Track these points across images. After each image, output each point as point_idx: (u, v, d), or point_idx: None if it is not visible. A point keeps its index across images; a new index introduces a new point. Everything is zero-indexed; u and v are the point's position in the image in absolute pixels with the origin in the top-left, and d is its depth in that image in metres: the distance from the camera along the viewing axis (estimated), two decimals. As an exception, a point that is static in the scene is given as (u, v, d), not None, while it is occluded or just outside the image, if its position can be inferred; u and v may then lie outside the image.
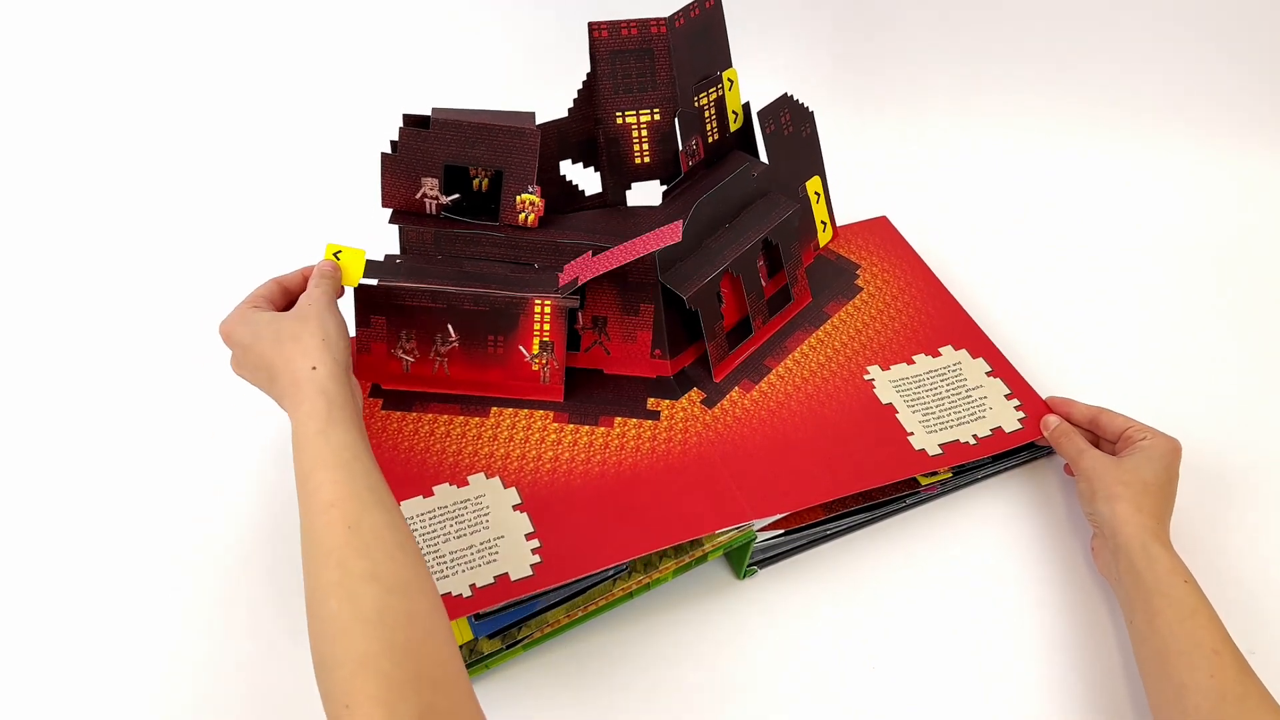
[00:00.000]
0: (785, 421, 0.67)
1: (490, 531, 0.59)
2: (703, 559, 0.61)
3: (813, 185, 0.78)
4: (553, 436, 0.64)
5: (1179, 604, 0.55)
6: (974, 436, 0.67)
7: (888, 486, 0.65)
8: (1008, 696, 0.58)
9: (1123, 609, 0.59)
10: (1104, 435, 0.67)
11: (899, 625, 0.61)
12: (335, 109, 1.00)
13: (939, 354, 0.73)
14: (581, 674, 0.58)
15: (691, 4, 0.69)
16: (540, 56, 0.97)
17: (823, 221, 0.79)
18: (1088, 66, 0.97)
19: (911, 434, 0.67)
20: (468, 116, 0.65)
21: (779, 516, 0.62)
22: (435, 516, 0.59)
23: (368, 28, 1.03)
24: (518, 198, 0.66)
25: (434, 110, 0.65)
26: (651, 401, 0.67)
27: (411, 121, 0.65)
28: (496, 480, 0.62)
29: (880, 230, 0.83)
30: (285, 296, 0.61)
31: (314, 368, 0.52)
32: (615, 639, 0.60)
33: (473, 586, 0.56)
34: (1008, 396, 0.70)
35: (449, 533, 0.58)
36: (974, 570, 0.64)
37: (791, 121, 0.76)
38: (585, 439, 0.64)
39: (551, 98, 0.72)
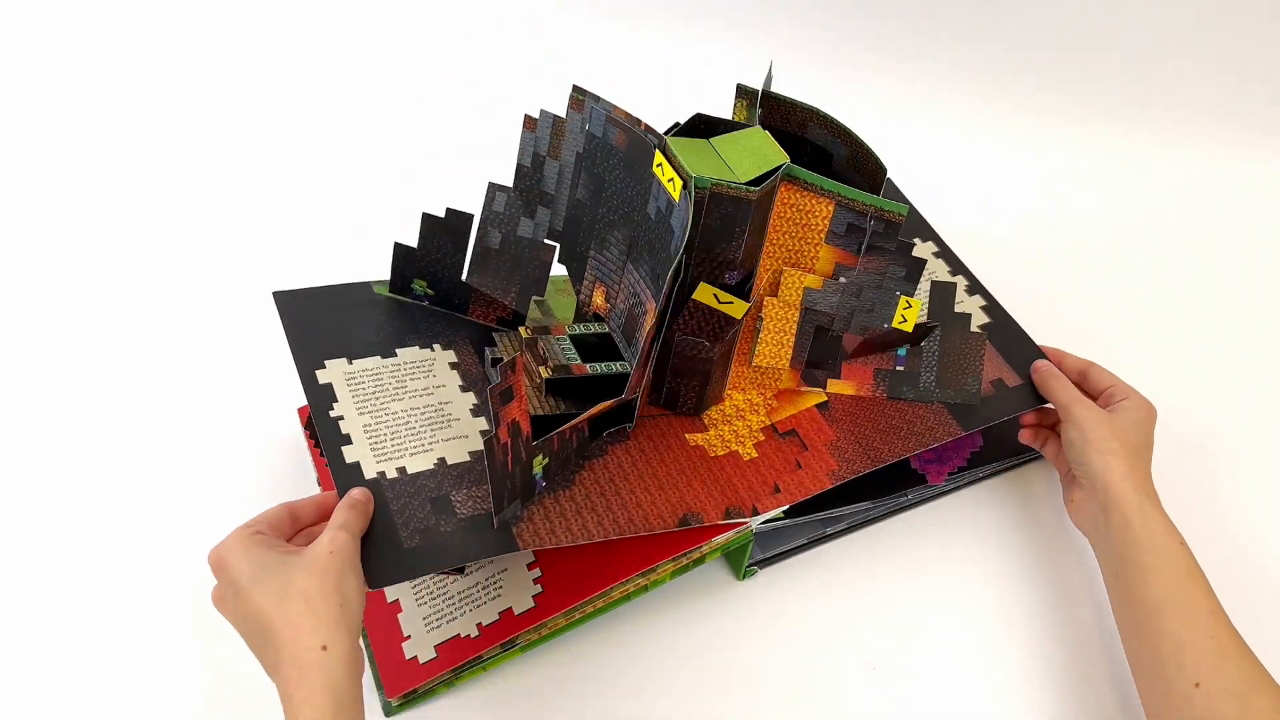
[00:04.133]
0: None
1: (495, 565, 0.61)
2: (701, 560, 0.62)
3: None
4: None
5: (1176, 564, 0.55)
6: None
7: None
8: (1008, 697, 0.60)
9: (1104, 565, 0.60)
10: (1087, 389, 0.66)
11: (899, 625, 0.63)
12: (339, 107, 0.99)
13: None
14: (582, 675, 0.61)
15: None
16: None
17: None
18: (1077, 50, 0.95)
19: None
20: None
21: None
22: (447, 560, 0.62)
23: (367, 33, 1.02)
24: None
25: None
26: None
27: None
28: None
29: None
30: (294, 528, 0.54)
31: (324, 647, 0.46)
32: (615, 639, 0.62)
33: (479, 625, 0.59)
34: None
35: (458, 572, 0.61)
36: (974, 570, 0.65)
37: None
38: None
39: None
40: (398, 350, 0.65)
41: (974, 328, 0.69)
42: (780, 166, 0.59)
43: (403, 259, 0.66)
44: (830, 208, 0.61)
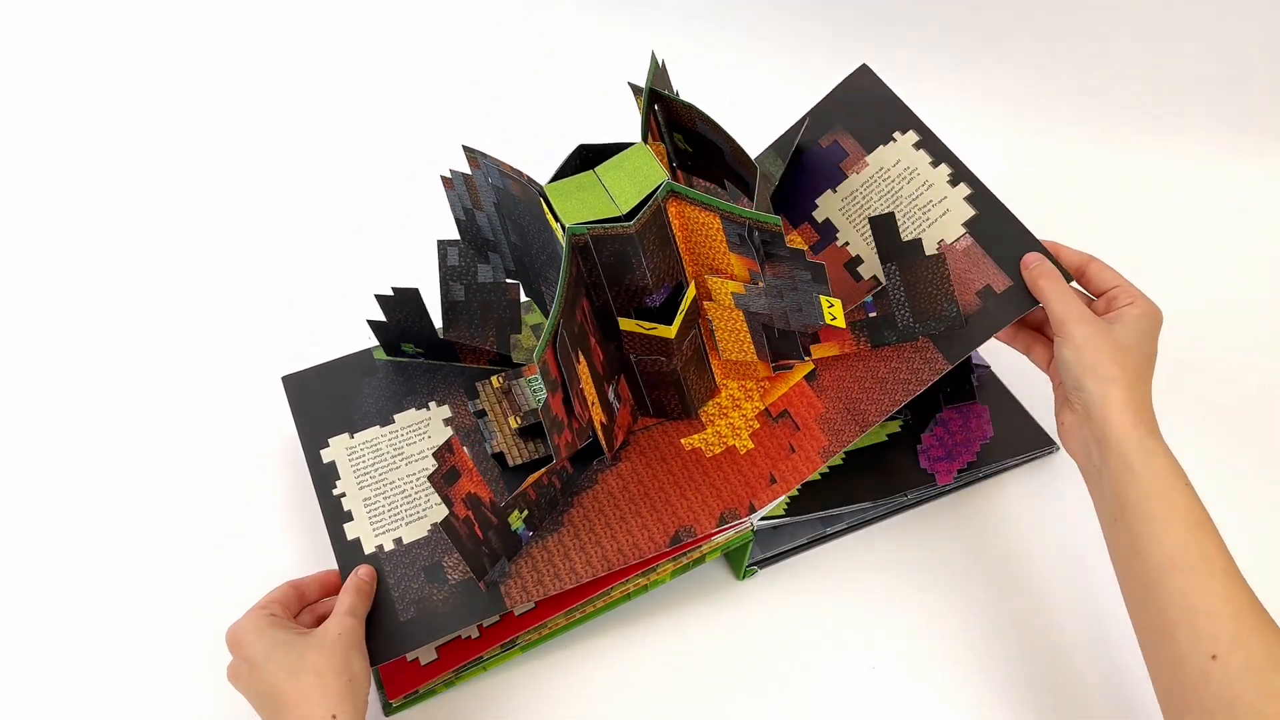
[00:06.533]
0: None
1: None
2: (701, 560, 0.62)
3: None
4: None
5: (1184, 513, 0.49)
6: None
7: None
8: (1009, 697, 0.59)
9: (1098, 502, 0.54)
10: (1088, 289, 0.59)
11: (899, 625, 0.62)
12: (338, 109, 1.00)
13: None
14: (581, 675, 0.61)
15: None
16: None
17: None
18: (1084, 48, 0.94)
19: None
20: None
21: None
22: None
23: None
24: None
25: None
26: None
27: None
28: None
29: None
30: (300, 604, 0.57)
31: (333, 716, 0.49)
32: (615, 639, 0.62)
33: (480, 627, 0.59)
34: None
35: (457, 574, 0.62)
36: (975, 570, 0.64)
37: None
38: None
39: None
40: (395, 416, 0.67)
41: (959, 223, 0.64)
42: (659, 186, 0.58)
43: (381, 331, 0.68)
44: (717, 220, 0.60)
